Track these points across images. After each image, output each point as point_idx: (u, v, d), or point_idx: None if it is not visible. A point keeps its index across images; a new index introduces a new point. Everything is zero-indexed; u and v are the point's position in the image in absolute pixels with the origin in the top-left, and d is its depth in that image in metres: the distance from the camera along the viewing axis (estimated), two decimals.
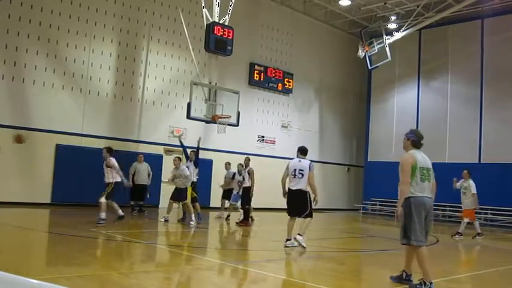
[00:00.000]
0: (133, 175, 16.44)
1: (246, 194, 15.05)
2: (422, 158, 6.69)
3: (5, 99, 16.37)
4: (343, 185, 28.08)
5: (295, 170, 10.04)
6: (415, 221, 6.44)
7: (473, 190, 14.37)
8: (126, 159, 17.06)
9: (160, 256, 9.32)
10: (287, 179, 10.17)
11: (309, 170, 9.99)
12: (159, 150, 19.66)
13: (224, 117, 17.65)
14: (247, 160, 15.43)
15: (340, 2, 23.84)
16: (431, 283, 6.34)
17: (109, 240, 10.23)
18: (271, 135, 23.98)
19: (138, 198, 16.58)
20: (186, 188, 14.35)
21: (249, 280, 7.29)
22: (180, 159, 14.71)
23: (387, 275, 7.16)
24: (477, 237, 14.58)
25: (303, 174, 9.97)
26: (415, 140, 6.82)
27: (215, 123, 17.80)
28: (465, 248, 13.22)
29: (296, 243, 9.82)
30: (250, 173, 15.00)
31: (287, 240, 10.05)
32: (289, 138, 24.49)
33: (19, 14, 16.58)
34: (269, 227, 16.05)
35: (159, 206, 18.65)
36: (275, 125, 24.33)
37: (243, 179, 15.25)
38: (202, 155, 20.14)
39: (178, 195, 14.32)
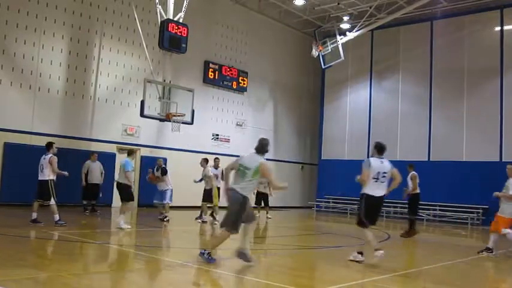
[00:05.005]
0: (86, 174, 16.21)
1: (413, 202, 14.13)
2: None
3: None
4: (297, 183, 28.29)
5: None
6: None
7: None
8: (78, 158, 16.78)
9: (114, 256, 9.19)
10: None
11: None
12: (112, 148, 19.35)
13: (178, 116, 17.55)
14: (411, 168, 13.99)
15: (294, 2, 23.99)
16: None
17: (60, 240, 10.02)
18: (226, 134, 23.96)
19: (91, 198, 16.35)
20: (211, 189, 15.17)
21: (204, 279, 7.29)
22: (206, 161, 15.51)
23: (339, 271, 7.29)
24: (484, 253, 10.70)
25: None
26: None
27: (169, 121, 17.69)
28: (415, 244, 13.57)
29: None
30: (413, 178, 13.82)
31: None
32: (243, 137, 24.53)
33: None
34: None
35: (112, 205, 18.36)
36: (230, 124, 24.32)
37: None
38: (157, 153, 20.06)
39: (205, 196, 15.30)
